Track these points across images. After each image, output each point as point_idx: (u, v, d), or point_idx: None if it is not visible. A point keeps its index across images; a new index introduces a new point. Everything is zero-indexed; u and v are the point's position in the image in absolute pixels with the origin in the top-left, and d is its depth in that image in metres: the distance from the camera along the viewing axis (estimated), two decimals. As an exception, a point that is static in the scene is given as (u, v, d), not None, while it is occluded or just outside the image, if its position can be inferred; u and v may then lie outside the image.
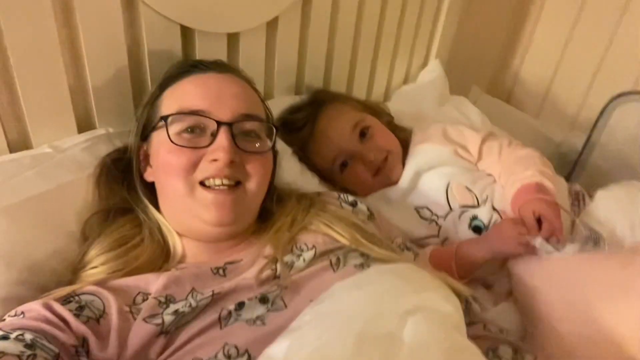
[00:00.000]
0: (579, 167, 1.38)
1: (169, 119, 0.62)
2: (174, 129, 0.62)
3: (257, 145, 0.65)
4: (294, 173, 0.86)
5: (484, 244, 0.79)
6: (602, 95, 1.34)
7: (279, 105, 0.92)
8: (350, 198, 0.75)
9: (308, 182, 0.88)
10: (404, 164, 0.94)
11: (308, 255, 0.62)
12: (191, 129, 0.62)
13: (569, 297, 0.73)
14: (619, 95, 1.27)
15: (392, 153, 0.92)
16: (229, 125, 0.61)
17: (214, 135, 0.61)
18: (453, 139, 0.96)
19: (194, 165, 0.61)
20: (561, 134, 1.50)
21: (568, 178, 1.36)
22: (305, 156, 0.91)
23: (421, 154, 0.94)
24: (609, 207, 0.90)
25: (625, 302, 0.69)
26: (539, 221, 0.79)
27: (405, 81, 1.28)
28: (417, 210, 0.90)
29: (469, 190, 0.88)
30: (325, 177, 0.92)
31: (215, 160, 0.60)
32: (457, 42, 1.39)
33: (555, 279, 0.76)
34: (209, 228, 0.62)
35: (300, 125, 0.90)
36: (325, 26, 0.96)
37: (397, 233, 0.77)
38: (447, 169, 0.91)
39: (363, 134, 0.91)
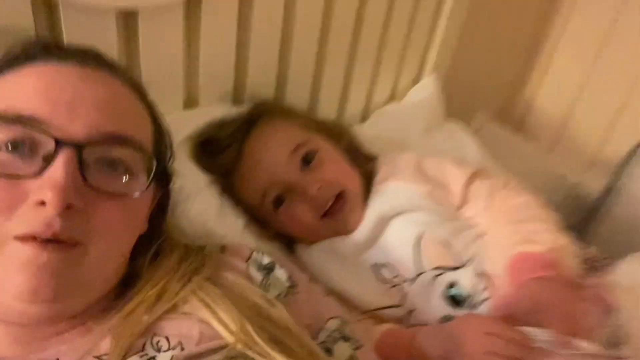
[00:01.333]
0: (596, 217, 1.17)
1: None
2: None
3: (123, 182, 0.43)
4: (209, 211, 0.63)
5: (442, 342, 0.57)
6: (628, 135, 1.17)
7: (204, 117, 0.69)
8: (266, 260, 0.53)
9: (228, 224, 0.64)
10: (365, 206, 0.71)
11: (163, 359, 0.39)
12: (13, 146, 0.39)
13: None
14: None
15: (347, 192, 0.69)
16: (78, 147, 0.39)
17: (48, 160, 0.39)
18: (429, 176, 0.73)
19: (9, 207, 0.38)
20: (578, 174, 1.30)
21: (583, 228, 1.18)
22: (228, 188, 0.68)
23: (386, 194, 0.71)
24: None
25: None
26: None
27: (392, 99, 1.05)
28: (375, 269, 0.67)
29: (447, 245, 0.67)
30: (255, 216, 0.69)
31: (42, 203, 0.38)
32: (460, 56, 1.16)
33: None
34: (18, 304, 0.39)
35: (224, 145, 0.67)
36: (277, 17, 0.73)
37: (333, 312, 0.54)
38: (419, 215, 0.69)
39: (307, 160, 0.68)
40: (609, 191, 1.15)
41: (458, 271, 0.66)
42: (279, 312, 0.46)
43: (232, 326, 0.42)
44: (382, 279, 0.67)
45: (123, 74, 0.47)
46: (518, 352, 0.53)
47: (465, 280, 0.65)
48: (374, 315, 0.66)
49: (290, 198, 0.67)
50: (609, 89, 1.30)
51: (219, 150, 0.67)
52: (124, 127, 0.43)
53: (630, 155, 1.10)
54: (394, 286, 0.66)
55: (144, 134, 0.46)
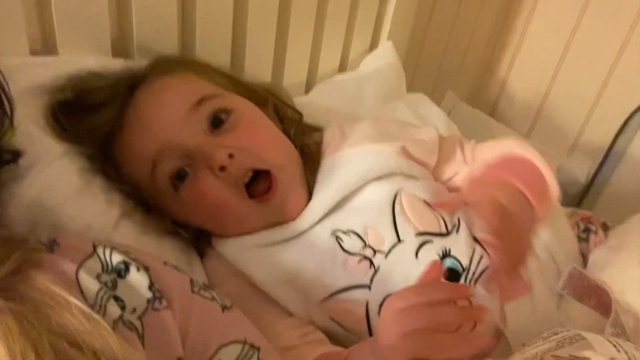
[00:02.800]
0: (589, 198, 1.08)
1: None
2: None
3: None
4: (60, 193, 0.44)
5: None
6: (615, 111, 1.07)
7: (66, 67, 0.50)
8: (117, 258, 0.34)
9: (94, 211, 0.45)
10: (309, 187, 0.54)
11: None
12: None
13: None
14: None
15: (277, 167, 0.51)
16: None
17: None
18: (396, 135, 0.57)
19: None
20: (558, 158, 1.16)
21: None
22: (104, 164, 0.49)
23: (348, 164, 0.54)
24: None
25: None
26: None
27: (342, 68, 0.88)
28: (338, 236, 0.51)
29: (430, 207, 0.51)
30: (146, 201, 0.50)
31: None
32: (420, 29, 1.02)
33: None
34: None
35: (98, 102, 0.48)
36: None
37: (235, 334, 0.37)
38: (395, 177, 0.54)
39: (217, 121, 0.49)
40: (599, 172, 1.06)
41: (448, 238, 0.51)
42: (111, 346, 0.28)
43: None
44: (347, 248, 0.50)
45: None
46: (451, 314, 0.40)
47: (459, 248, 0.51)
48: (334, 309, 0.49)
49: (194, 171, 0.48)
50: (587, 68, 1.18)
51: (91, 109, 0.48)
52: None
53: (621, 130, 1.01)
54: (362, 259, 0.49)
55: None
